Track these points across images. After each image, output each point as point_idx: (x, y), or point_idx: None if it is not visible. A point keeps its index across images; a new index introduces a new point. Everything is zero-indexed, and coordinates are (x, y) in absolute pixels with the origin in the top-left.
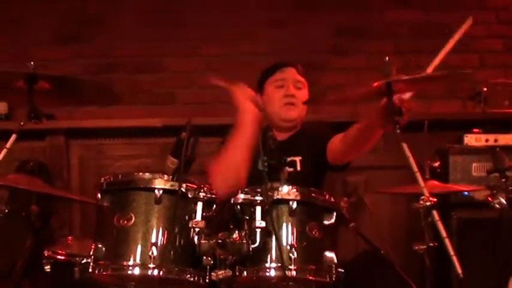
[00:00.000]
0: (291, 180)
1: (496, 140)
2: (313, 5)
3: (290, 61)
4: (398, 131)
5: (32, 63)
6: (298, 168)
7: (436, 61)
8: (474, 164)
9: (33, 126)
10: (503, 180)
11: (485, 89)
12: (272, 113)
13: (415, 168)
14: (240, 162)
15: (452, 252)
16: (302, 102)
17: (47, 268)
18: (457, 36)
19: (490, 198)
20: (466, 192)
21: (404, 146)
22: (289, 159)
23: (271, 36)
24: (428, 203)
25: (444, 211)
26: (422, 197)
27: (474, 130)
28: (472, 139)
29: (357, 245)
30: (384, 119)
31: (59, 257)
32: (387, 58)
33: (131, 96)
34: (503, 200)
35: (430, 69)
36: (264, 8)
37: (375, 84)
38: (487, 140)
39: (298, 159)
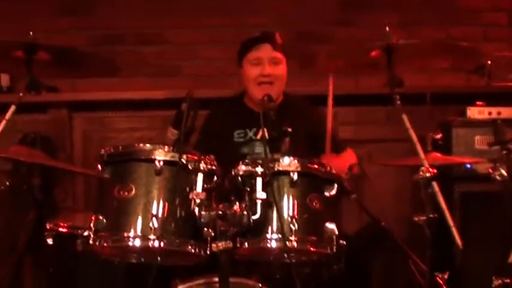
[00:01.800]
0: None
1: (499, 113)
2: None
3: (266, 35)
4: (398, 102)
5: (31, 33)
6: None
7: None
8: (477, 137)
9: (35, 98)
10: (505, 152)
11: (490, 62)
12: (249, 89)
13: (415, 139)
14: None
15: (451, 224)
16: None
17: (49, 241)
18: None
19: (491, 170)
20: (468, 165)
21: (405, 117)
22: None
23: (275, 6)
24: (428, 174)
25: (447, 184)
26: (422, 168)
27: (477, 103)
28: (475, 112)
29: (360, 217)
30: None
31: (61, 229)
32: (387, 29)
33: (134, 69)
34: (504, 172)
35: None
36: None
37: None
38: (490, 113)
39: None
